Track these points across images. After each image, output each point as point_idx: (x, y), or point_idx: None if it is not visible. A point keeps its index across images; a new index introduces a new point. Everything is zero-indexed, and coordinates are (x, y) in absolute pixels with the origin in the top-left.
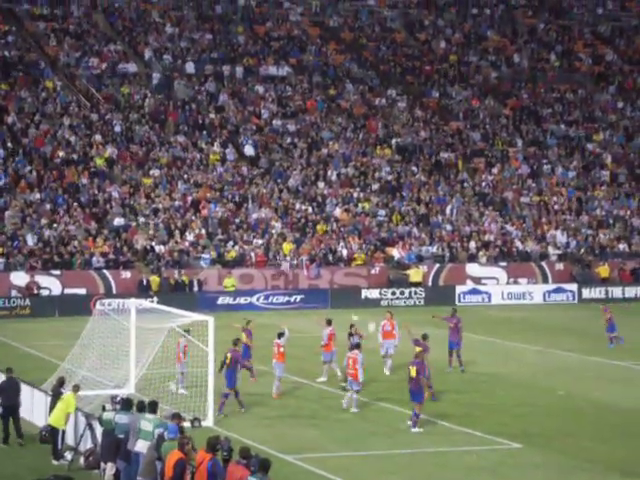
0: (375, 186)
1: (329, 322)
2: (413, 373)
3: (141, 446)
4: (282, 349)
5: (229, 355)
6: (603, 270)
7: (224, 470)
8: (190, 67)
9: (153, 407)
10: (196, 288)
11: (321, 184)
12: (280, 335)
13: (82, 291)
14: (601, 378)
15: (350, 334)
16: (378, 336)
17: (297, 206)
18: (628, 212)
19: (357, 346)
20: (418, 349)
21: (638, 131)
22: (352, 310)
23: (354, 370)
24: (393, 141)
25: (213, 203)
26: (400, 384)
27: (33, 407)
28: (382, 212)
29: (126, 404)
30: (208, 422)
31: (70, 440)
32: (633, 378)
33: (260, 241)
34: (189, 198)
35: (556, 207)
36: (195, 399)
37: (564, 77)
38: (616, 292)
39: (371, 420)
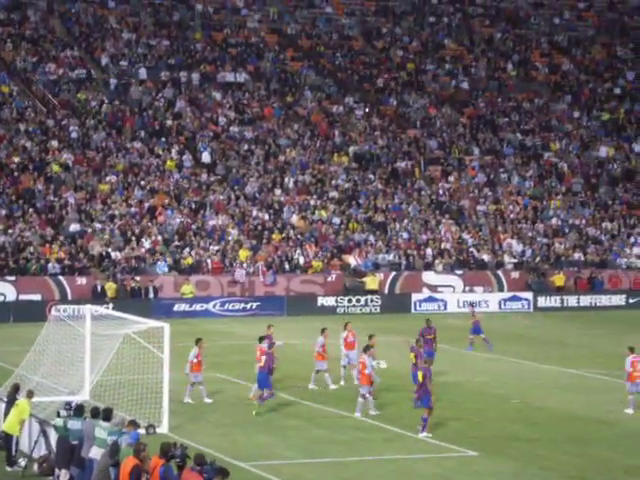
0: (332, 194)
1: (323, 331)
2: (420, 378)
3: (95, 452)
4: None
5: (264, 358)
6: (558, 279)
7: (177, 477)
8: (147, 73)
9: (107, 414)
10: (152, 295)
11: (278, 191)
12: (261, 339)
13: (37, 297)
14: (556, 386)
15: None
16: (341, 347)
17: (254, 213)
18: (583, 221)
19: (366, 349)
20: (411, 355)
21: (594, 141)
22: (309, 318)
23: (363, 374)
24: (350, 149)
25: (170, 210)
26: (354, 392)
27: None
28: (337, 220)
29: (78, 410)
30: (163, 429)
31: (24, 447)
32: (587, 386)
33: (216, 248)
34: (146, 204)
35: (512, 216)
36: (150, 405)
37: (521, 86)
38: (571, 301)
39: (327, 427)
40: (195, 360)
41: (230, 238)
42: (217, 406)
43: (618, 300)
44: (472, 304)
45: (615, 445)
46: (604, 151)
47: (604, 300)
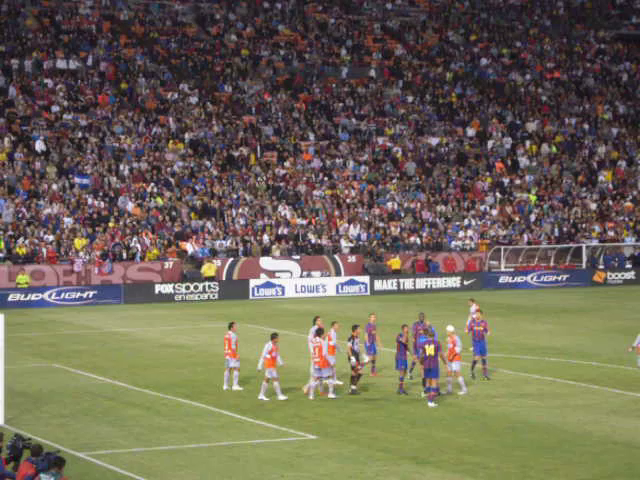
0: (168, 180)
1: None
2: (431, 352)
3: None
4: (234, 345)
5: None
6: (395, 262)
7: (14, 468)
8: None
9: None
10: None
11: (113, 179)
12: (231, 325)
13: None
14: (388, 366)
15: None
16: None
17: (89, 201)
18: (418, 205)
19: (319, 332)
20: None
21: (427, 125)
22: (146, 305)
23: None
24: (186, 135)
25: (2, 199)
26: (193, 377)
27: None
28: (175, 206)
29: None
30: None
31: None
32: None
33: (51, 237)
34: None
35: (348, 200)
36: None
37: (355, 71)
38: (407, 284)
39: (165, 415)
40: (269, 356)
41: (65, 227)
42: (54, 396)
43: (453, 282)
44: None
45: (451, 425)
46: (436, 140)
47: (439, 282)
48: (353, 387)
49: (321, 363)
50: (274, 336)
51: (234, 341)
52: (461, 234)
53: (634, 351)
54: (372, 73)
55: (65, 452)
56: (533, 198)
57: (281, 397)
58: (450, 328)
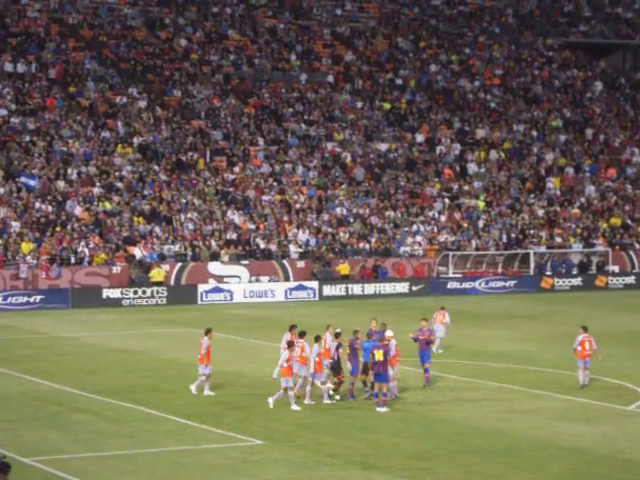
0: (116, 185)
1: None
2: (380, 356)
3: None
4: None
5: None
6: (343, 268)
7: None
8: None
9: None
10: None
11: (61, 183)
12: (208, 332)
13: None
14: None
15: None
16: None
17: (37, 205)
18: (367, 211)
19: (317, 339)
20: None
21: (376, 131)
22: (94, 310)
23: (318, 363)
24: (134, 140)
25: None
26: (141, 382)
27: None
28: (123, 211)
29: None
30: None
31: None
32: None
33: None
34: None
35: (297, 206)
36: None
37: (310, 77)
38: (356, 289)
39: (112, 420)
40: (285, 364)
41: (12, 231)
42: (0, 401)
43: (401, 288)
44: None
45: (399, 430)
46: (385, 146)
47: (388, 288)
48: (337, 396)
49: (317, 367)
50: (290, 345)
51: (205, 347)
52: (410, 240)
53: (575, 353)
54: (330, 79)
55: (11, 457)
56: (481, 204)
57: (294, 407)
58: (389, 333)
